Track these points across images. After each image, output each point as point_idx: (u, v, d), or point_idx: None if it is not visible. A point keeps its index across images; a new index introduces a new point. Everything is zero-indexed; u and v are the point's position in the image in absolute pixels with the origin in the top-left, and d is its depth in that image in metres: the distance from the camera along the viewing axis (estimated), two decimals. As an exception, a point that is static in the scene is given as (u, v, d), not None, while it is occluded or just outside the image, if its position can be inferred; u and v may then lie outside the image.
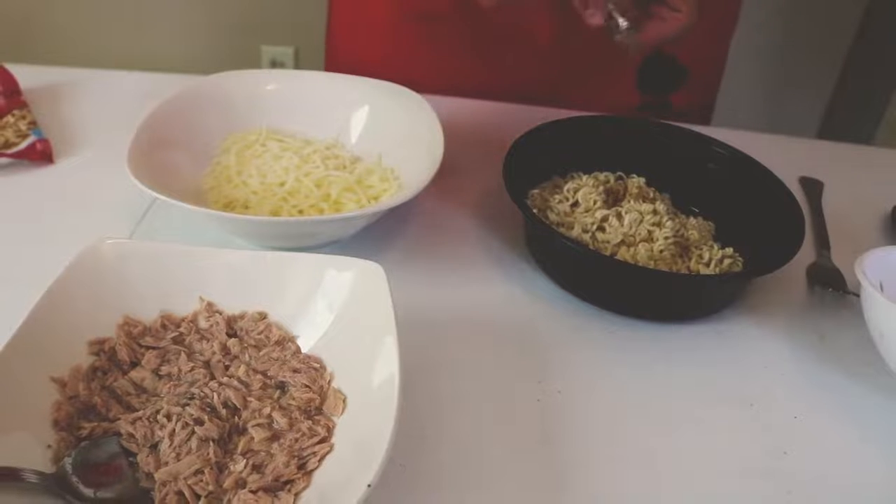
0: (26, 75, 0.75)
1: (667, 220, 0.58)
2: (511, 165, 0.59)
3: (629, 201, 0.59)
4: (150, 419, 0.41)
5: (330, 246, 0.59)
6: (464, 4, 0.76)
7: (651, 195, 0.61)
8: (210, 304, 0.48)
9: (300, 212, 0.60)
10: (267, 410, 0.42)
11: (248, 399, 0.43)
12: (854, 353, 0.54)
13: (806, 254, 0.62)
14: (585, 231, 0.58)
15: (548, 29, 0.78)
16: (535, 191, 0.63)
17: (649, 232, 0.57)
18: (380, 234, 0.61)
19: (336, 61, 0.87)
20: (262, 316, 0.48)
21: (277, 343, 0.46)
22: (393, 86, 0.67)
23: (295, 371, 0.45)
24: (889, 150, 0.81)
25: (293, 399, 0.43)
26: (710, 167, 0.64)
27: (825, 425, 0.49)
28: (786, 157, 0.70)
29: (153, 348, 0.46)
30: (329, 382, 0.44)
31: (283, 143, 0.66)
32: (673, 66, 0.81)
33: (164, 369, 0.45)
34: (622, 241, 0.57)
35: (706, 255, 0.57)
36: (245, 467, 0.40)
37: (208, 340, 0.46)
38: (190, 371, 0.45)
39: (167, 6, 1.72)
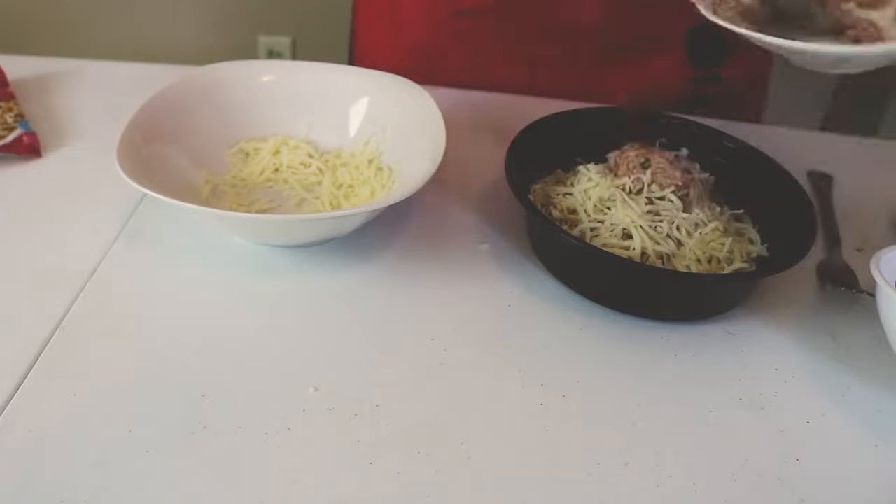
0: (14, 66, 0.73)
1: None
2: (513, 160, 0.57)
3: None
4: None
5: (328, 243, 0.58)
6: None
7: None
8: None
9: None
10: None
11: None
12: (868, 354, 0.52)
13: (816, 250, 0.61)
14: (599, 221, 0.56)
15: (597, 7, 0.76)
16: (538, 185, 0.62)
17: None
18: (381, 230, 0.59)
19: (364, 64, 0.86)
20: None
21: None
22: (393, 77, 0.65)
23: None
24: (898, 143, 0.80)
25: None
26: (719, 161, 0.62)
27: (838, 430, 0.48)
28: (793, 150, 0.68)
29: None
30: None
31: (280, 138, 0.65)
32: (721, 36, 0.80)
33: None
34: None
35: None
36: None
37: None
38: None
39: (162, -5, 1.70)
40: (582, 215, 0.57)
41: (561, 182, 0.61)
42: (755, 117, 0.86)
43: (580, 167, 0.61)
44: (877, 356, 0.52)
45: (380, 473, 0.43)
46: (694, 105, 0.80)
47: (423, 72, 0.73)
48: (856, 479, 0.45)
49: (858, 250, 0.62)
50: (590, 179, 0.59)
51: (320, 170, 0.63)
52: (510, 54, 0.81)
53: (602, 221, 0.56)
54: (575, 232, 0.56)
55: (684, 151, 0.62)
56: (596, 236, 0.56)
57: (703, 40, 0.79)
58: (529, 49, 0.80)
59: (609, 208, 0.57)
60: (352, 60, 0.90)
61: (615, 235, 0.55)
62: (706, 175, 0.60)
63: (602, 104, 0.69)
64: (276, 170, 0.63)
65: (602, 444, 0.45)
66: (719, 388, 0.50)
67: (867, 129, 1.51)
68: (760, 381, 0.50)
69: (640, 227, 0.54)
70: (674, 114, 0.67)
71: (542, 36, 0.79)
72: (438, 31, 0.81)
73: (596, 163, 0.61)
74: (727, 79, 0.81)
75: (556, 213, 0.58)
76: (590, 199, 0.57)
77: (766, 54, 0.87)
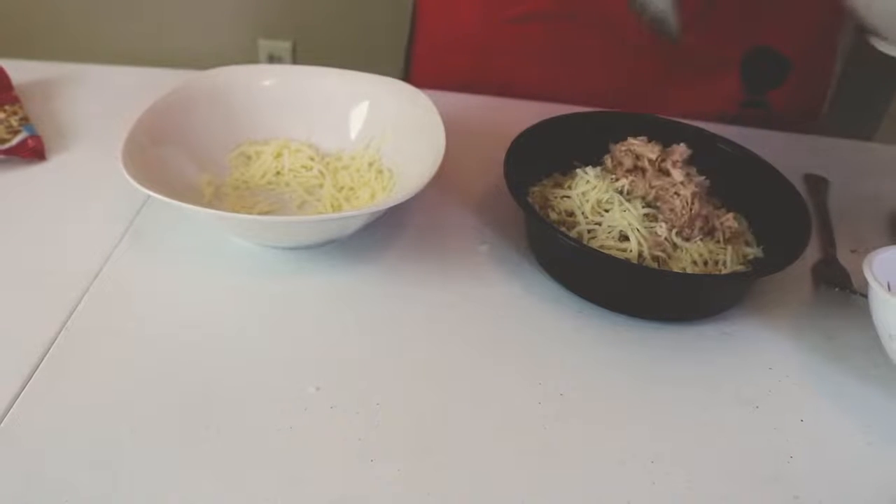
0: (18, 70, 0.74)
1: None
2: (512, 162, 0.58)
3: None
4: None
5: (329, 244, 0.58)
6: (569, 3, 0.76)
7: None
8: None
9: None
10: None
11: None
12: (861, 355, 0.53)
13: (811, 252, 0.61)
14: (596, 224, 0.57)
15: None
16: (536, 188, 0.62)
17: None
18: (382, 231, 0.60)
19: (423, 71, 0.87)
20: None
21: None
22: (393, 81, 0.66)
23: None
24: (893, 147, 0.80)
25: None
26: (715, 164, 0.63)
27: (832, 428, 0.48)
28: (790, 153, 0.69)
29: None
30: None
31: (282, 141, 0.65)
32: (774, 57, 0.80)
33: None
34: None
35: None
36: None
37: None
38: None
39: (162, 0, 1.71)
40: (579, 217, 0.58)
41: (559, 185, 0.62)
42: None
43: (578, 170, 0.62)
44: (870, 356, 0.52)
45: (381, 471, 0.43)
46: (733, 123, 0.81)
47: (478, 73, 0.72)
48: (849, 477, 0.45)
49: (853, 252, 0.63)
50: (587, 182, 0.59)
51: (321, 172, 0.64)
52: (562, 64, 0.81)
53: (599, 224, 0.57)
54: (572, 234, 0.57)
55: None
56: (593, 238, 0.56)
57: (758, 64, 0.80)
58: (580, 61, 0.81)
59: (607, 210, 0.57)
60: (408, 64, 0.91)
61: (612, 237, 0.56)
62: (702, 178, 0.60)
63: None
64: (278, 172, 0.64)
65: (599, 443, 0.46)
66: (715, 387, 0.50)
67: (864, 133, 1.52)
68: (755, 380, 0.51)
69: (637, 229, 0.55)
70: (670, 118, 0.68)
71: (594, 50, 0.80)
72: (494, 34, 0.82)
73: (594, 166, 0.62)
74: (775, 105, 0.82)
75: (553, 215, 0.59)
76: (587, 201, 0.58)
77: (820, 84, 0.87)
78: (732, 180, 0.62)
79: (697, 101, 0.79)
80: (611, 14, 0.77)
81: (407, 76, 0.88)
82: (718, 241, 0.57)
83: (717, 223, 0.57)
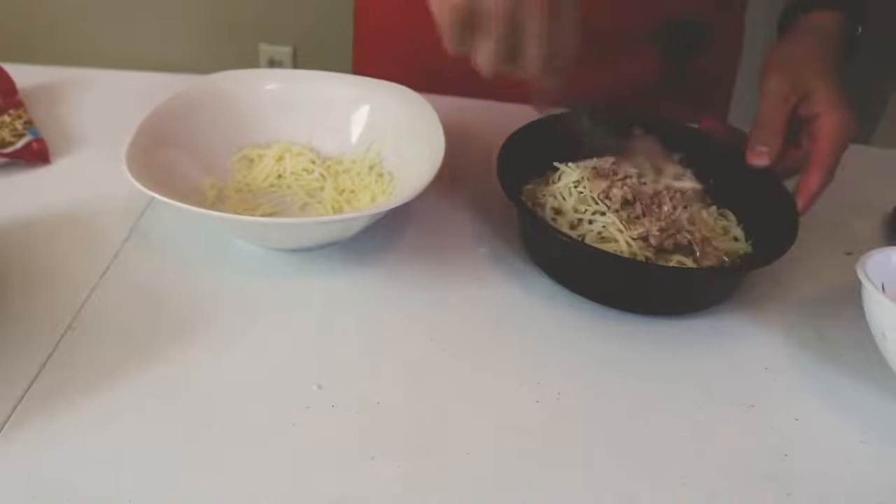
0: (23, 74, 0.75)
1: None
2: (504, 160, 0.59)
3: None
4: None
5: (330, 247, 0.59)
6: None
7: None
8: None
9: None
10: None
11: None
12: (855, 353, 0.54)
13: (813, 250, 0.61)
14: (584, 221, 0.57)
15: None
16: (529, 186, 0.63)
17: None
18: (382, 234, 0.61)
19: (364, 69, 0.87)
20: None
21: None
22: (393, 85, 0.67)
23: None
24: (889, 151, 0.81)
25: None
26: (707, 161, 0.63)
27: (826, 426, 0.49)
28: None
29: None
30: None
31: (283, 145, 0.66)
32: (689, 26, 0.79)
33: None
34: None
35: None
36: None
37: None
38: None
39: (165, 5, 1.72)
40: (570, 214, 0.58)
41: (549, 183, 0.63)
42: (721, 113, 0.88)
43: (560, 165, 0.62)
44: (863, 354, 0.53)
45: (381, 469, 0.44)
46: (660, 99, 0.80)
47: (411, 68, 0.73)
48: (843, 475, 0.46)
49: (848, 254, 0.63)
50: (570, 177, 0.60)
51: (322, 176, 0.64)
52: None
53: (591, 221, 0.57)
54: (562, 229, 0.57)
55: (676, 158, 0.63)
56: (581, 235, 0.57)
57: (676, 35, 0.80)
58: None
59: (594, 213, 0.58)
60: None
61: (600, 237, 0.56)
62: (694, 185, 0.61)
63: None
64: (280, 175, 0.65)
65: (596, 441, 0.47)
66: (709, 385, 0.51)
67: (861, 136, 1.53)
68: (749, 379, 0.52)
69: (621, 230, 0.56)
70: (666, 118, 0.68)
71: None
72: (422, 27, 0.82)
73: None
74: (694, 72, 0.82)
75: (543, 213, 0.59)
76: (571, 196, 0.59)
77: (733, 49, 0.88)
78: (723, 177, 0.63)
79: (619, 79, 0.78)
80: None
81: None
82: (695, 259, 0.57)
83: (690, 239, 0.57)
